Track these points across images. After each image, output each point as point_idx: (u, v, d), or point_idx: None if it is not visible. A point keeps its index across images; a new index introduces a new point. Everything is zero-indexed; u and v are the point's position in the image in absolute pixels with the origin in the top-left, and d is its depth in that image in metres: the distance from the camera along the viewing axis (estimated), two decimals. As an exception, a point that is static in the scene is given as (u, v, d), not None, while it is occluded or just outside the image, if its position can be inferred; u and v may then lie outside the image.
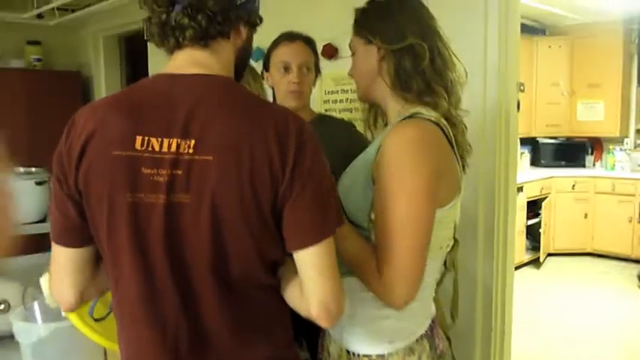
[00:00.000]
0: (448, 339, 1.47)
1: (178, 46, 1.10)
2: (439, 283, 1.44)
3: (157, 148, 1.01)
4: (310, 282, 1.05)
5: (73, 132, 1.07)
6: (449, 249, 1.39)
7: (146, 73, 4.60)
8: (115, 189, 1.03)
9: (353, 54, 1.46)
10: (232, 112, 1.04)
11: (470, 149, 1.43)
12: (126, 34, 5.22)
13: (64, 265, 1.15)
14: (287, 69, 2.02)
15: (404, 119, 1.29)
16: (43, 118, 4.79)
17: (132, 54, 5.49)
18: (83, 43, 5.50)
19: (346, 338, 1.36)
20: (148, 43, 4.43)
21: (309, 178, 1.02)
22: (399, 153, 1.23)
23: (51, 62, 5.34)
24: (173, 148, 1.01)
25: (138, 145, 1.02)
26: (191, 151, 1.00)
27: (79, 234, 1.12)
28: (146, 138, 1.02)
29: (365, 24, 1.40)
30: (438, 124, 1.29)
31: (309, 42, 2.08)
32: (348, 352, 1.36)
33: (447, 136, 1.31)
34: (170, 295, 1.05)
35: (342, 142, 1.61)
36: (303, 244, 1.04)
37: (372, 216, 1.27)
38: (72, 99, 4.99)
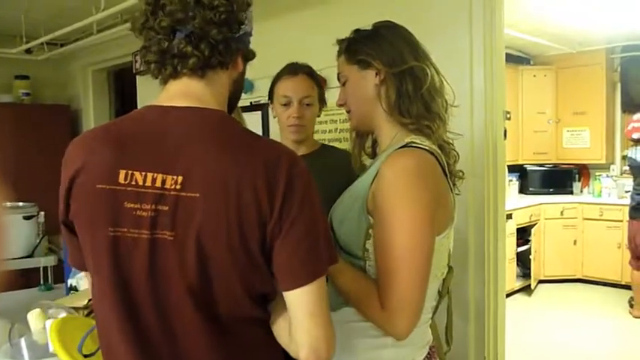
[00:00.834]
0: None
1: (175, 75, 1.07)
2: (435, 310, 1.42)
3: (140, 182, 0.99)
4: (300, 324, 1.02)
5: (66, 165, 1.07)
6: (444, 276, 1.39)
7: (135, 107, 4.62)
8: (96, 223, 1.01)
9: (344, 83, 1.44)
10: (222, 148, 1.00)
11: (462, 175, 1.44)
12: (115, 68, 5.25)
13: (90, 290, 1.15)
14: (288, 104, 2.03)
15: (399, 149, 1.29)
16: (32, 152, 4.79)
17: (121, 87, 5.52)
18: (72, 76, 5.53)
19: None
20: (137, 77, 4.49)
21: (298, 216, 0.99)
22: (397, 183, 1.22)
23: (40, 96, 5.35)
24: (158, 183, 0.99)
25: (121, 179, 0.99)
26: (178, 187, 0.98)
27: (83, 260, 1.10)
28: (130, 172, 0.99)
29: (359, 49, 1.39)
30: (432, 153, 1.29)
31: (311, 75, 2.08)
32: None
33: (440, 165, 1.31)
34: (155, 333, 1.02)
35: (342, 173, 1.61)
36: (294, 285, 1.01)
37: (367, 245, 1.27)
38: (61, 132, 4.99)
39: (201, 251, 0.98)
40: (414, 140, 1.30)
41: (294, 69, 2.07)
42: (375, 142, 1.52)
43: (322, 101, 2.13)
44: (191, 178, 0.98)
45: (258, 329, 1.09)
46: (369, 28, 1.43)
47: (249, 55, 1.16)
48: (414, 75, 1.34)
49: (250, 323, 1.08)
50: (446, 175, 1.33)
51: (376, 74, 1.36)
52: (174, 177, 0.98)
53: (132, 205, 0.99)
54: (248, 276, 1.02)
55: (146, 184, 0.99)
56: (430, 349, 1.39)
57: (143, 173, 0.99)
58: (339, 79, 1.47)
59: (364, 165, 1.53)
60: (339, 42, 1.45)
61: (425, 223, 1.21)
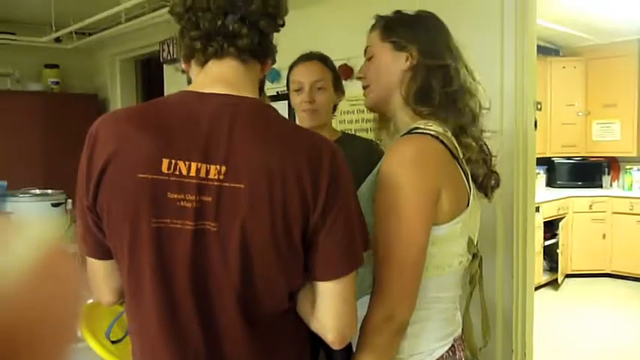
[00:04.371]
0: None
1: (220, 55, 1.05)
2: (467, 303, 1.40)
3: (184, 172, 0.97)
4: (331, 310, 1.04)
5: (95, 146, 1.02)
6: (463, 264, 1.34)
7: (162, 95, 4.65)
8: (138, 213, 0.98)
9: (369, 58, 1.42)
10: (264, 137, 1.00)
11: (496, 183, 1.41)
12: (142, 58, 5.29)
13: (97, 273, 1.13)
14: (300, 89, 2.03)
15: (402, 136, 1.27)
16: (60, 140, 4.85)
17: (147, 77, 5.56)
18: (100, 66, 5.59)
19: None
20: (164, 67, 4.51)
21: (341, 208, 1.00)
22: (391, 173, 1.21)
23: (68, 85, 5.42)
24: (202, 173, 0.97)
25: (164, 169, 0.97)
26: (221, 177, 0.96)
27: (102, 247, 1.08)
28: (173, 161, 0.97)
29: (397, 30, 1.36)
30: (437, 138, 1.26)
31: (324, 60, 2.08)
32: None
33: (450, 150, 1.27)
34: (193, 326, 1.01)
35: (364, 162, 1.59)
36: (334, 276, 1.02)
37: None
38: (89, 121, 4.93)
39: (245, 242, 0.97)
40: (418, 125, 1.28)
41: (306, 56, 2.09)
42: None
43: (339, 88, 2.12)
44: (235, 169, 0.97)
45: (289, 317, 1.10)
46: (410, 13, 1.40)
47: (274, 59, 1.16)
48: (446, 73, 1.32)
49: (284, 315, 1.08)
50: (457, 160, 1.29)
51: (407, 59, 1.34)
52: (218, 167, 0.97)
53: (175, 196, 0.97)
54: (289, 268, 1.02)
55: (190, 174, 0.97)
56: (454, 341, 1.36)
57: (187, 163, 0.97)
58: (365, 53, 1.44)
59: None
60: (378, 18, 1.42)
61: (420, 211, 1.19)
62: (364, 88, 1.44)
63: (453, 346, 1.34)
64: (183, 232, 0.98)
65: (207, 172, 0.97)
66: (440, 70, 1.32)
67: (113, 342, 1.50)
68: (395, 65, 1.35)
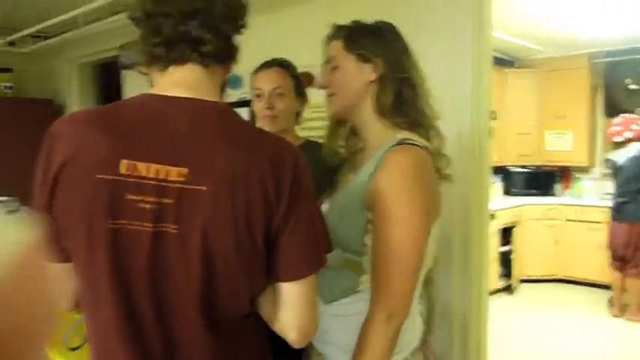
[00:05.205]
0: None
1: (181, 61, 1.05)
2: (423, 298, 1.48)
3: (143, 174, 0.96)
4: (293, 310, 1.05)
5: (52, 146, 1.00)
6: (431, 265, 1.42)
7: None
8: (95, 214, 0.96)
9: (333, 68, 1.42)
10: (227, 140, 0.99)
11: (450, 178, 1.46)
12: (101, 62, 5.20)
13: None
14: (260, 95, 2.04)
15: (395, 145, 1.31)
16: (14, 146, 4.72)
17: (106, 82, 5.47)
18: (57, 70, 5.46)
19: (346, 356, 1.35)
20: (122, 72, 4.44)
21: (303, 210, 1.02)
22: (397, 182, 1.26)
23: (23, 90, 5.28)
24: (162, 174, 0.96)
25: (123, 169, 0.95)
26: (183, 179, 0.96)
27: (59, 249, 1.03)
28: (132, 162, 0.96)
29: (362, 42, 1.39)
30: (426, 148, 1.33)
31: (285, 67, 2.09)
32: None
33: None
34: (151, 330, 1.00)
35: (326, 167, 1.62)
36: (297, 276, 1.03)
37: (366, 240, 1.30)
38: (44, 126, 4.86)
39: (207, 245, 0.96)
40: (410, 137, 1.33)
41: (267, 62, 2.09)
42: (350, 133, 1.52)
43: (302, 94, 2.13)
44: (197, 171, 0.96)
45: (250, 323, 1.10)
46: (370, 23, 1.43)
47: (236, 59, 1.15)
48: (413, 83, 1.37)
49: (244, 318, 1.08)
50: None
51: (372, 71, 1.37)
52: (179, 169, 0.96)
53: (134, 197, 0.96)
54: (251, 271, 1.02)
55: (149, 175, 0.96)
56: (424, 336, 1.45)
57: (146, 164, 0.96)
58: (326, 62, 1.44)
59: (337, 154, 1.54)
60: (338, 27, 1.43)
61: (421, 220, 1.27)
62: (328, 96, 1.46)
63: (423, 338, 1.44)
64: (141, 234, 0.96)
65: (167, 173, 0.96)
66: (407, 81, 1.37)
67: (72, 349, 1.48)
68: (361, 77, 1.38)
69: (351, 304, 1.34)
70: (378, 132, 1.39)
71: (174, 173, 0.96)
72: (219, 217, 0.96)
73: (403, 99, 1.36)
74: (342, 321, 1.35)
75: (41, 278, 0.36)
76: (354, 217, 1.31)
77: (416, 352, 1.39)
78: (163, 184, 0.96)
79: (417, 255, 1.27)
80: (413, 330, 1.40)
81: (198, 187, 0.96)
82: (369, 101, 1.38)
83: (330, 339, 1.39)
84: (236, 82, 3.37)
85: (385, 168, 1.27)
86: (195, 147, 0.98)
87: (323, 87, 1.47)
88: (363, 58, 1.37)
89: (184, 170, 0.96)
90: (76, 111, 1.08)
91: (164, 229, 0.96)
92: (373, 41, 1.38)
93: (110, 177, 0.96)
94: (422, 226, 1.27)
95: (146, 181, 0.96)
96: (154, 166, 0.96)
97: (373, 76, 1.37)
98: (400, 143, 1.31)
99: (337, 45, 1.42)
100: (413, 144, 1.31)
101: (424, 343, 1.43)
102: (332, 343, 1.39)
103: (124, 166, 0.96)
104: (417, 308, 1.42)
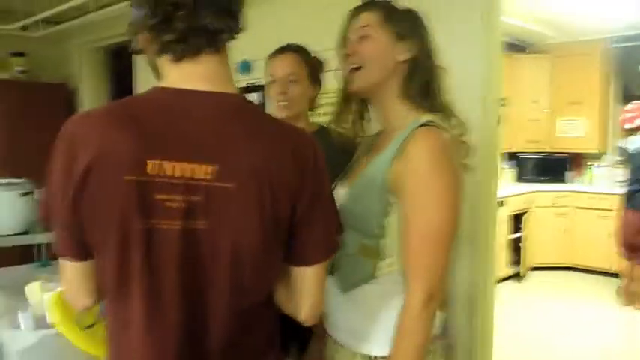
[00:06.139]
0: None
1: (197, 52, 1.02)
2: None
3: (169, 173, 0.95)
4: (308, 291, 1.11)
5: (73, 147, 0.96)
6: None
7: (131, 86, 4.61)
8: (126, 216, 0.95)
9: (363, 37, 1.38)
10: (249, 135, 1.00)
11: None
12: (112, 47, 5.22)
13: (72, 279, 1.08)
14: (274, 81, 2.05)
15: (420, 127, 1.31)
16: (27, 130, 4.78)
17: (117, 67, 5.49)
18: (69, 55, 5.49)
19: (364, 343, 1.37)
20: (134, 57, 4.46)
21: (322, 200, 1.07)
22: (428, 162, 1.26)
23: (36, 74, 5.32)
24: (188, 173, 0.96)
25: (149, 170, 0.95)
26: (209, 177, 0.96)
27: (83, 248, 1.02)
28: (157, 162, 0.95)
29: (401, 21, 1.38)
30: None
31: (299, 52, 2.08)
32: (369, 356, 1.37)
33: None
34: (177, 324, 1.01)
35: (340, 154, 1.62)
36: (315, 261, 1.09)
37: (386, 223, 1.31)
38: (57, 110, 4.96)
39: (236, 240, 0.99)
40: (434, 119, 1.34)
41: (282, 48, 2.09)
42: (357, 117, 1.52)
43: (317, 80, 2.13)
44: (222, 168, 0.97)
45: (264, 305, 1.12)
46: (403, 7, 1.43)
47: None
48: (437, 72, 1.40)
49: (262, 305, 1.11)
50: None
51: (405, 52, 1.37)
52: (204, 166, 0.96)
53: (162, 197, 0.96)
54: (275, 260, 1.07)
55: (176, 175, 0.96)
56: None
57: (172, 164, 0.96)
58: (355, 32, 1.40)
59: (350, 139, 1.54)
60: (373, 1, 1.42)
61: (455, 195, 1.29)
62: (352, 70, 1.40)
63: (443, 326, 1.43)
64: (172, 232, 0.97)
65: (193, 172, 0.96)
66: (435, 69, 1.40)
67: (86, 328, 1.52)
68: (393, 55, 1.37)
69: (368, 291, 1.35)
70: (399, 114, 1.39)
71: (200, 171, 0.96)
72: (247, 213, 0.99)
73: (430, 85, 1.38)
74: (358, 308, 1.37)
75: None
76: (374, 200, 1.31)
77: (435, 340, 1.37)
78: (190, 182, 0.96)
79: (452, 230, 1.28)
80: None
81: (224, 185, 0.97)
82: (395, 81, 1.38)
83: (346, 326, 1.41)
84: (246, 67, 3.38)
85: (415, 147, 1.27)
86: (219, 144, 0.98)
87: (347, 56, 1.40)
88: (400, 37, 1.36)
89: (209, 168, 0.97)
90: (89, 110, 1.04)
91: (193, 226, 0.98)
92: (412, 23, 1.39)
93: (138, 178, 0.95)
94: (456, 202, 1.28)
95: (173, 181, 0.96)
96: (179, 165, 0.96)
97: (404, 57, 1.36)
98: (425, 125, 1.31)
99: (373, 17, 1.38)
100: (439, 126, 1.33)
101: (444, 331, 1.42)
102: (348, 330, 1.41)
103: (150, 166, 0.95)
104: None
